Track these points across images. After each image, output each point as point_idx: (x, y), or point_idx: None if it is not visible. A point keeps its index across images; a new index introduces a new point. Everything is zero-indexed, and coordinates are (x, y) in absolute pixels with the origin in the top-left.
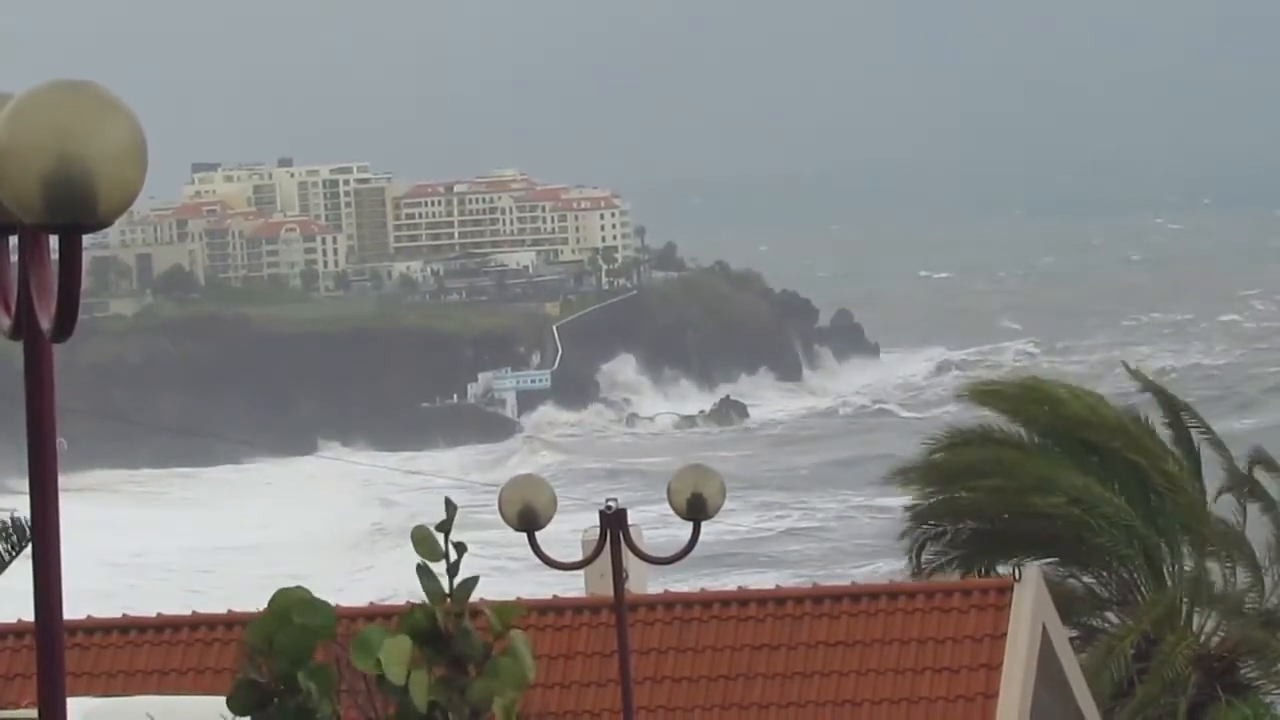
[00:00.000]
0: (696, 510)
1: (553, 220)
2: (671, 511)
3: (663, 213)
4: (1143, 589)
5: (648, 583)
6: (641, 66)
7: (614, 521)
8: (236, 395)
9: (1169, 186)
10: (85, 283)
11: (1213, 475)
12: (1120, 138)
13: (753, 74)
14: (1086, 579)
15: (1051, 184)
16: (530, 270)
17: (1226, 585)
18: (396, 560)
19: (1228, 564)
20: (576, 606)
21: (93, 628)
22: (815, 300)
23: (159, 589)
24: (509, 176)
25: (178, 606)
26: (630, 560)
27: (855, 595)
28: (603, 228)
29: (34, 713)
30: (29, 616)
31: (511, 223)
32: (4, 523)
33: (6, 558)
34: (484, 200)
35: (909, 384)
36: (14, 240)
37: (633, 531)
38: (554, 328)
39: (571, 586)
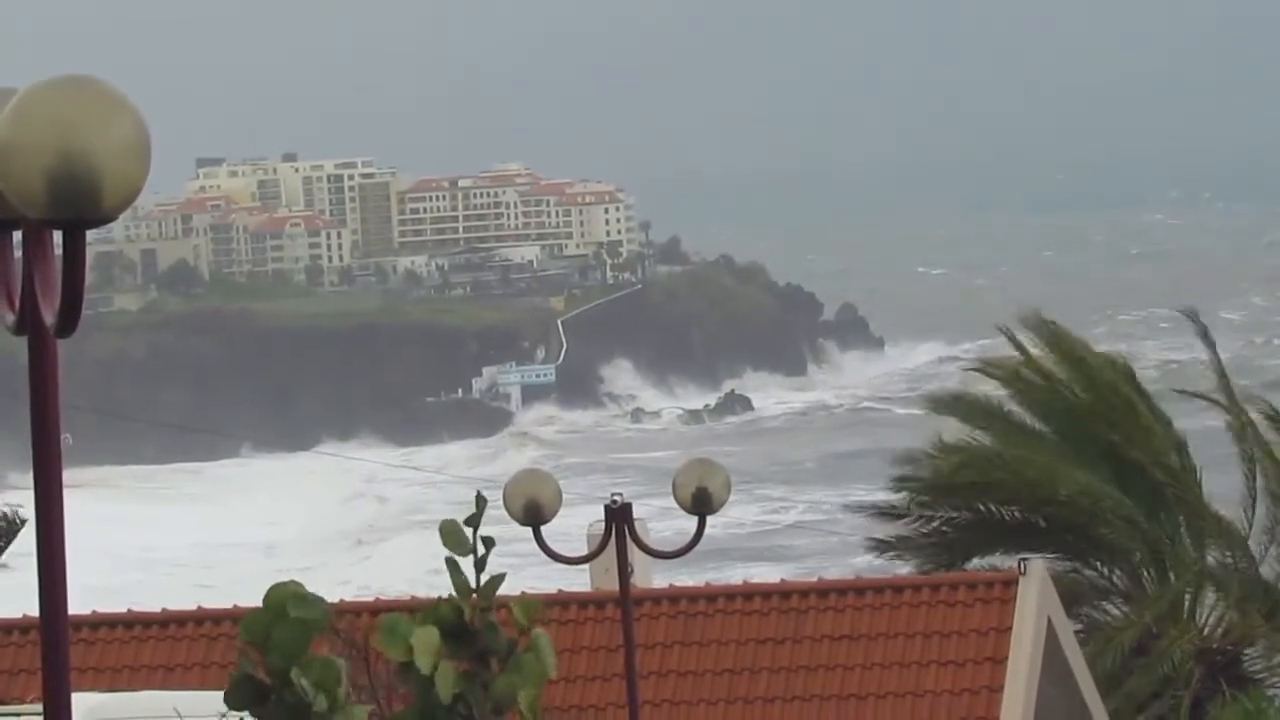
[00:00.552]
0: (702, 504)
1: (557, 215)
2: (676, 505)
3: (665, 208)
4: (1146, 582)
5: (653, 577)
6: (643, 63)
7: (619, 516)
8: (241, 390)
9: (1169, 182)
10: (89, 278)
11: (1212, 468)
12: (1120, 133)
13: (753, 71)
14: (1089, 573)
15: (1051, 180)
16: (535, 265)
17: (1229, 578)
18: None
19: (1229, 557)
20: (582, 601)
21: (98, 623)
22: (817, 295)
23: (164, 584)
24: (513, 171)
25: (183, 602)
26: (635, 554)
27: (860, 589)
28: (607, 222)
29: (39, 708)
30: (34, 611)
31: (516, 217)
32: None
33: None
34: (488, 195)
35: (914, 377)
36: (18, 235)
37: (638, 526)
38: (559, 322)
39: (576, 581)
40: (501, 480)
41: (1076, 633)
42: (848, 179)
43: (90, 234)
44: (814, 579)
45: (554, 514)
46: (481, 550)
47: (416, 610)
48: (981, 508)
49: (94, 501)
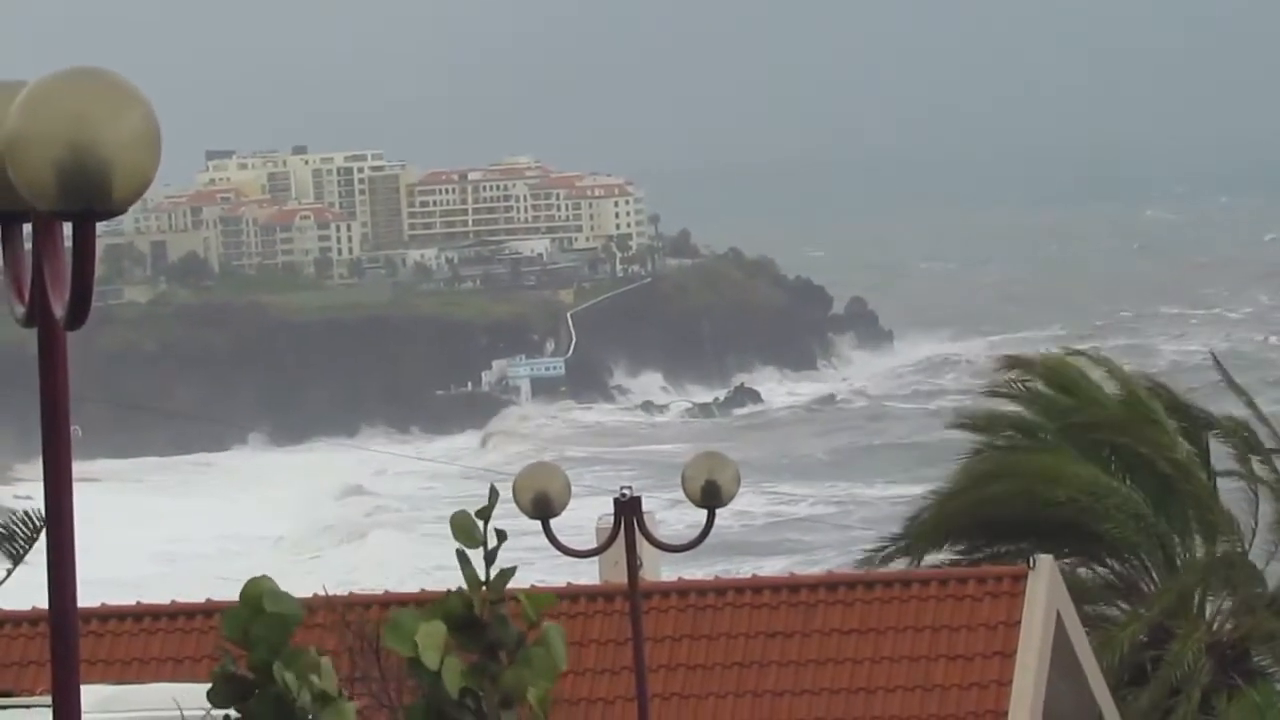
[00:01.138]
0: (711, 498)
1: (567, 208)
2: (685, 498)
3: (674, 201)
4: (1155, 578)
5: (661, 570)
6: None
7: (628, 509)
8: (250, 383)
9: (1173, 177)
10: (99, 270)
11: (1221, 463)
12: (1123, 127)
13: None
14: (1098, 568)
15: (1054, 174)
16: (544, 257)
17: (1237, 573)
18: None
19: (1239, 551)
20: (590, 594)
21: (107, 615)
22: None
23: (173, 576)
24: (523, 164)
25: (192, 594)
26: (644, 547)
27: (869, 583)
28: (617, 215)
29: (48, 700)
30: (44, 604)
31: (526, 210)
32: (25, 514)
33: (24, 549)
34: (498, 188)
35: (921, 370)
36: (28, 228)
37: (647, 519)
38: (568, 315)
39: (585, 574)
40: (510, 472)
41: (1084, 628)
42: (850, 171)
43: (100, 226)
44: (823, 572)
45: (563, 507)
46: (493, 542)
47: (426, 603)
48: (988, 504)
49: (103, 494)
